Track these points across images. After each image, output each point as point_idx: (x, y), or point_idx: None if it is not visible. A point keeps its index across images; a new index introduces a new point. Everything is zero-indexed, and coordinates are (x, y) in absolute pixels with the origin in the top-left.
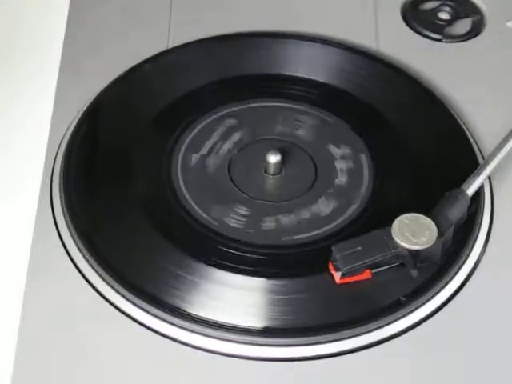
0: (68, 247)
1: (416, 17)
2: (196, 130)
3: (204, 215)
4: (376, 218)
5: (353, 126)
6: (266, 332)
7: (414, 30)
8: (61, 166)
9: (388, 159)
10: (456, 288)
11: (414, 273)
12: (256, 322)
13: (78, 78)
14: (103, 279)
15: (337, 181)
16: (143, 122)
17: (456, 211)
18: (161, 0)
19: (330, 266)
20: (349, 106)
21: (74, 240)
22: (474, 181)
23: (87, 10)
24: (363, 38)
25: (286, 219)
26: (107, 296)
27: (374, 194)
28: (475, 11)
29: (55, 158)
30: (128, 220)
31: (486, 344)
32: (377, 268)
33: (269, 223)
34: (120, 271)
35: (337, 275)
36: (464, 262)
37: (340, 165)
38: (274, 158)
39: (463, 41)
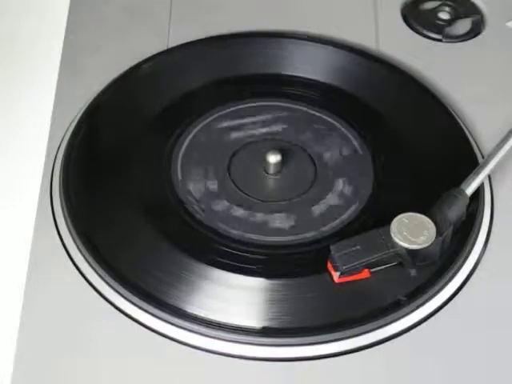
0: (68, 247)
1: (416, 17)
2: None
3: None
4: (376, 217)
5: (352, 126)
6: (265, 332)
7: (413, 30)
8: (61, 166)
9: (388, 159)
10: (456, 288)
11: (413, 272)
12: (255, 322)
13: (77, 77)
14: (103, 279)
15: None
16: (143, 121)
17: (455, 211)
18: (161, 0)
19: (329, 265)
20: (348, 106)
21: (74, 240)
22: (473, 180)
23: (87, 10)
24: (363, 38)
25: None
26: (107, 296)
27: (373, 194)
28: (475, 11)
29: (55, 157)
30: (128, 220)
31: (486, 344)
32: (375, 267)
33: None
34: (120, 271)
35: (335, 274)
36: (464, 262)
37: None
38: (274, 158)
39: (463, 41)
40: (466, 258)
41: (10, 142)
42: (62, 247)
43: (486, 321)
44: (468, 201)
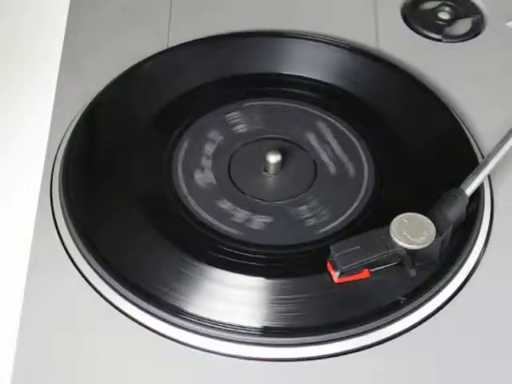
0: (68, 247)
1: (416, 17)
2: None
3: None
4: (376, 217)
5: (353, 126)
6: (266, 332)
7: (413, 29)
8: (61, 166)
9: (388, 159)
10: (456, 288)
11: (412, 272)
12: (256, 322)
13: (78, 77)
14: (103, 279)
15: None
16: (143, 121)
17: (454, 211)
18: (161, 0)
19: (329, 265)
20: (349, 106)
21: (74, 240)
22: (472, 180)
23: (87, 10)
24: (363, 38)
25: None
26: (107, 296)
27: (374, 194)
28: (475, 11)
29: (55, 158)
30: (128, 220)
31: (486, 344)
32: (375, 267)
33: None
34: (120, 271)
35: (335, 274)
36: (464, 262)
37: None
38: (274, 158)
39: (463, 41)
40: (466, 258)
41: (10, 142)
42: (61, 247)
43: (485, 321)
44: (468, 201)
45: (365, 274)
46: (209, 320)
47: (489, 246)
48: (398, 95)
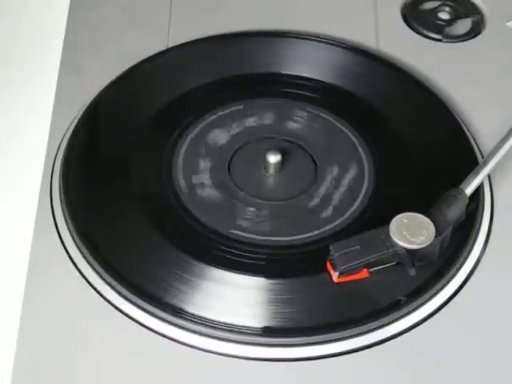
0: (68, 247)
1: (416, 17)
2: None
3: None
4: (376, 218)
5: (353, 126)
6: (266, 332)
7: (413, 29)
8: (61, 166)
9: (388, 159)
10: (456, 288)
11: (412, 272)
12: (256, 322)
13: (77, 77)
14: (103, 279)
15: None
16: (143, 121)
17: (454, 210)
18: (161, 0)
19: (328, 265)
20: (349, 106)
21: (74, 240)
22: (472, 180)
23: (87, 10)
24: (363, 38)
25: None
26: (107, 296)
27: (373, 194)
28: (475, 11)
29: (55, 158)
30: (128, 220)
31: (486, 344)
32: (375, 267)
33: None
34: (120, 271)
35: (334, 274)
36: (464, 262)
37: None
38: (274, 158)
39: (463, 41)
40: (466, 258)
41: (10, 142)
42: (62, 247)
43: (486, 321)
44: (467, 201)
45: (364, 273)
46: (209, 320)
47: (489, 245)
48: (398, 95)
